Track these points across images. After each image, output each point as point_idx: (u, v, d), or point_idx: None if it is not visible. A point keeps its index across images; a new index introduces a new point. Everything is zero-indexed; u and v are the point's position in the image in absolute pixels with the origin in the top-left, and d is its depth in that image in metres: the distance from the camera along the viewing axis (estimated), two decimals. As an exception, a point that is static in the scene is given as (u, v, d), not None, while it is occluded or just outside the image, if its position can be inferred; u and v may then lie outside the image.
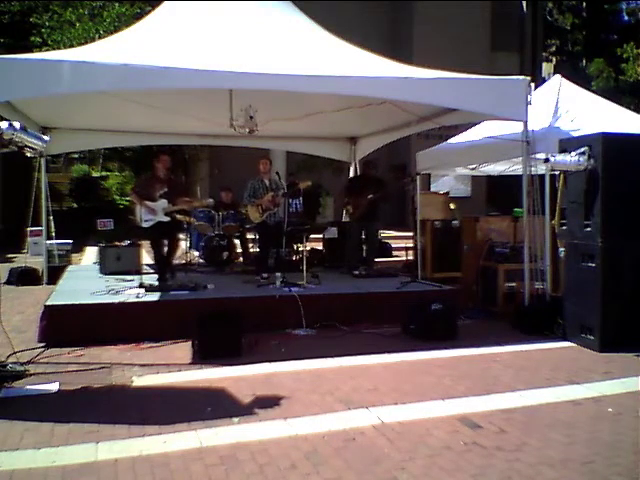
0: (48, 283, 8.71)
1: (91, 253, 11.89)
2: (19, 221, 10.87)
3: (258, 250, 8.44)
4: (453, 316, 6.14)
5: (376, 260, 9.70)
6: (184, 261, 8.70)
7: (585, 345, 5.60)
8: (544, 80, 13.51)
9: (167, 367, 4.97)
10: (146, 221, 7.23)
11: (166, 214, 7.29)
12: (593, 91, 9.18)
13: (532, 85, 6.49)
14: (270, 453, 3.35)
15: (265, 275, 7.63)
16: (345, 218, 9.64)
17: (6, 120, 4.29)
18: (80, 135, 9.30)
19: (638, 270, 5.55)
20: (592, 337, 5.54)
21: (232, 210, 9.41)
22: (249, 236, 9.56)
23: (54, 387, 4.42)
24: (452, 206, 10.69)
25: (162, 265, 7.46)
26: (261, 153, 10.46)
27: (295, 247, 9.28)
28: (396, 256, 12.15)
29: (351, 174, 10.70)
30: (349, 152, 10.65)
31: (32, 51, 12.35)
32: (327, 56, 6.44)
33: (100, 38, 12.25)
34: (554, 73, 14.10)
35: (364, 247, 9.05)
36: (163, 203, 7.25)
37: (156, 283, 6.98)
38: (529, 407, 4.11)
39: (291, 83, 5.76)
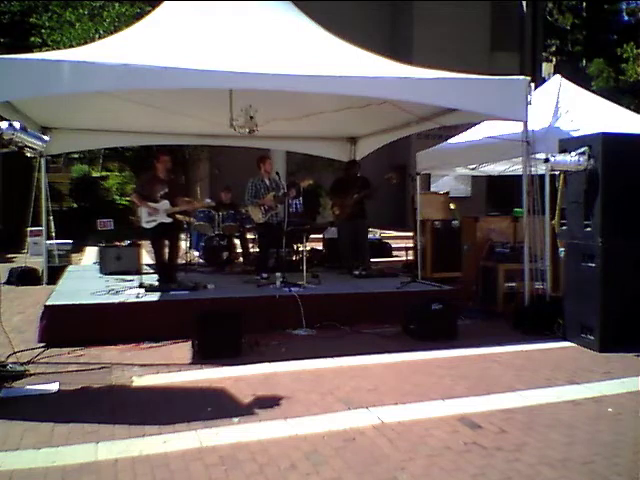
0: (48, 283, 8.71)
1: (91, 253, 11.90)
2: (19, 221, 10.87)
3: (258, 250, 8.44)
4: (453, 316, 6.13)
5: (376, 260, 9.70)
6: (184, 261, 8.70)
7: (585, 345, 5.60)
8: (544, 80, 13.52)
9: (167, 367, 4.97)
10: (148, 222, 7.22)
11: (168, 215, 7.28)
12: (593, 91, 9.19)
13: (532, 85, 6.49)
14: (270, 453, 3.35)
15: (265, 275, 7.63)
16: (329, 219, 9.62)
17: (6, 120, 4.29)
18: (80, 135, 9.30)
19: (638, 270, 5.55)
20: (592, 337, 5.54)
21: (232, 210, 9.42)
22: (249, 236, 9.57)
23: (54, 387, 4.42)
24: (452, 206, 10.69)
25: (162, 266, 7.45)
26: (261, 153, 10.46)
27: (295, 247, 9.28)
28: (396, 256, 12.15)
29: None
30: (349, 152, 10.65)
31: (32, 51, 12.35)
32: (327, 56, 6.44)
33: (100, 38, 12.26)
34: (554, 73, 14.12)
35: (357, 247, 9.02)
36: (165, 204, 7.23)
37: (156, 283, 6.98)
38: (529, 407, 4.11)
39: (291, 83, 5.76)
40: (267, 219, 7.88)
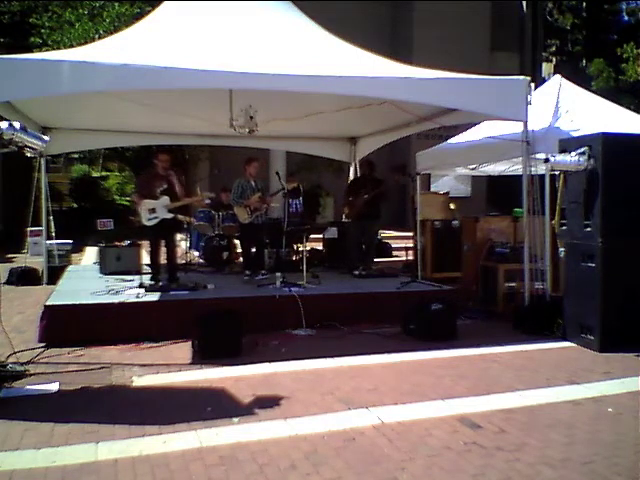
0: (48, 283, 8.71)
1: (91, 253, 11.90)
2: (19, 221, 10.87)
3: (242, 250, 8.46)
4: (453, 316, 6.13)
5: (376, 260, 9.69)
6: (184, 261, 8.70)
7: (585, 345, 5.60)
8: (544, 80, 13.51)
9: (167, 367, 4.97)
10: (149, 219, 7.20)
11: (169, 211, 7.26)
12: (593, 91, 9.18)
13: (532, 85, 6.49)
14: (270, 453, 3.35)
15: (248, 272, 7.74)
16: (341, 218, 9.66)
17: (6, 120, 4.29)
18: (80, 135, 9.30)
19: (638, 270, 5.55)
20: (592, 337, 5.54)
21: (232, 210, 9.41)
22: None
23: (54, 387, 4.42)
24: (452, 206, 10.69)
25: (156, 265, 7.43)
26: (261, 153, 10.47)
27: (295, 247, 9.28)
28: (396, 256, 12.15)
29: (351, 174, 10.71)
30: (349, 152, 10.66)
31: (32, 51, 12.34)
32: (327, 56, 6.44)
33: (100, 38, 12.25)
34: (554, 73, 14.10)
35: (363, 247, 9.04)
36: (165, 200, 7.22)
37: (152, 282, 6.99)
38: (529, 407, 4.11)
39: (291, 83, 5.76)
40: (252, 220, 7.93)
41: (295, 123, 8.63)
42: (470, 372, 4.89)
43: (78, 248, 12.41)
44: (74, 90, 5.60)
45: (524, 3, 23.46)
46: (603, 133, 5.56)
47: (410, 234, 10.72)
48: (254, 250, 8.30)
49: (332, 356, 5.25)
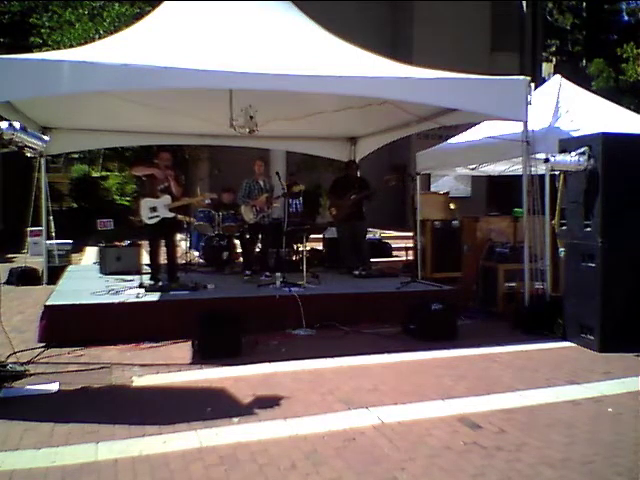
0: (48, 283, 8.71)
1: (91, 253, 11.90)
2: (19, 221, 10.87)
3: (244, 250, 8.46)
4: (453, 316, 6.13)
5: (376, 260, 9.69)
6: (184, 261, 8.70)
7: (585, 345, 5.60)
8: (544, 80, 13.51)
9: (167, 367, 4.97)
10: (150, 218, 7.17)
11: (170, 210, 7.24)
12: (593, 91, 9.18)
13: (532, 85, 6.49)
14: (270, 453, 3.35)
15: (248, 272, 7.75)
16: (329, 219, 9.63)
17: (6, 120, 4.29)
18: (80, 135, 9.30)
19: (638, 270, 5.55)
20: (592, 337, 5.54)
21: (232, 210, 9.41)
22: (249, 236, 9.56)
23: (54, 387, 4.42)
24: (452, 206, 10.69)
25: (156, 265, 7.42)
26: (261, 153, 10.47)
27: (295, 247, 9.28)
28: (396, 256, 12.15)
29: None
30: (349, 152, 10.65)
31: (32, 51, 12.34)
32: (327, 56, 6.44)
33: (100, 38, 12.25)
34: (554, 73, 14.10)
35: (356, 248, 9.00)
36: (166, 199, 7.20)
37: (152, 282, 6.98)
38: (529, 407, 4.11)
39: (291, 83, 5.76)
40: (258, 220, 7.93)
41: (295, 123, 8.63)
42: (470, 372, 4.89)
43: (78, 248, 12.41)
44: (74, 90, 5.60)
45: (524, 3, 23.45)
46: (603, 133, 5.56)
47: (410, 234, 10.71)
48: (258, 251, 8.30)
49: (332, 356, 5.25)
